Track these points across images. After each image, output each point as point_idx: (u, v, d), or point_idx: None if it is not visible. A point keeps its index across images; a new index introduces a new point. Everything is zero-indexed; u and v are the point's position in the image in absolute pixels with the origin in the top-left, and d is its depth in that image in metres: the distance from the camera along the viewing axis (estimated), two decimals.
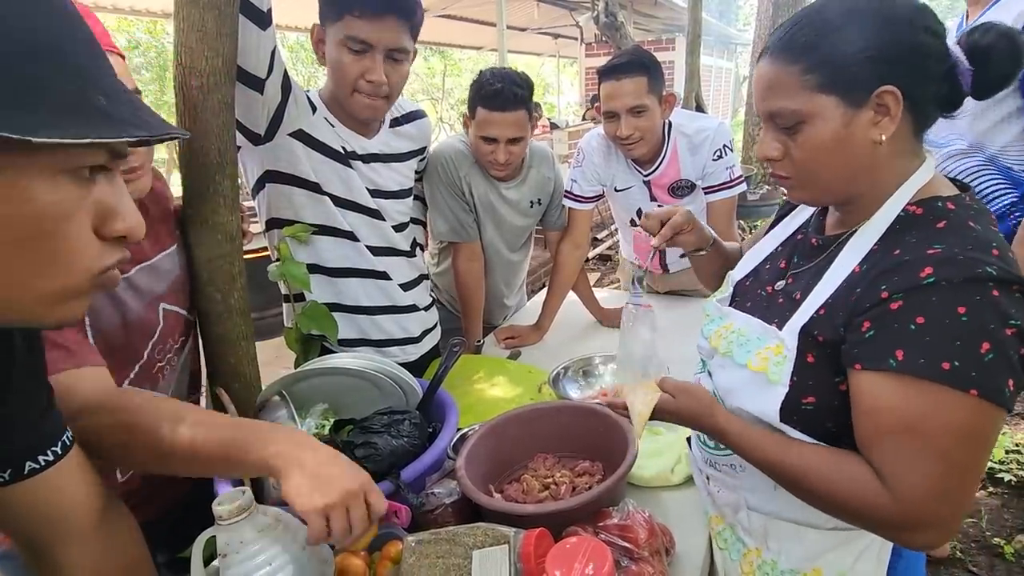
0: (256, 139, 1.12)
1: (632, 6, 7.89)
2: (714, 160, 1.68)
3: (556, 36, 10.06)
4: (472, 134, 1.53)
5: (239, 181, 1.02)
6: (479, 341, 1.70)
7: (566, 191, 1.80)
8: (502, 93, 1.43)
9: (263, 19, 0.98)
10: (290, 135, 1.14)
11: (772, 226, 0.95)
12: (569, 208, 1.80)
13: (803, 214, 0.89)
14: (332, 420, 1.04)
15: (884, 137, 0.67)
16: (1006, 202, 1.20)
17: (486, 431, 1.09)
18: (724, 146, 1.67)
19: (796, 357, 0.70)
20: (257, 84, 1.03)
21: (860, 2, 0.67)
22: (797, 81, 0.68)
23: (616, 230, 2.17)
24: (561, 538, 0.77)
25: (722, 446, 0.82)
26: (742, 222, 4.64)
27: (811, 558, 0.78)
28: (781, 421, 0.71)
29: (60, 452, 0.59)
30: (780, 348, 0.72)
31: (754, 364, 0.74)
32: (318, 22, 1.16)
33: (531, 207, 1.72)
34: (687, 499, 1.04)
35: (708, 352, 0.86)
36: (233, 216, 1.00)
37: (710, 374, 0.86)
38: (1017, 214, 1.19)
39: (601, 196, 1.83)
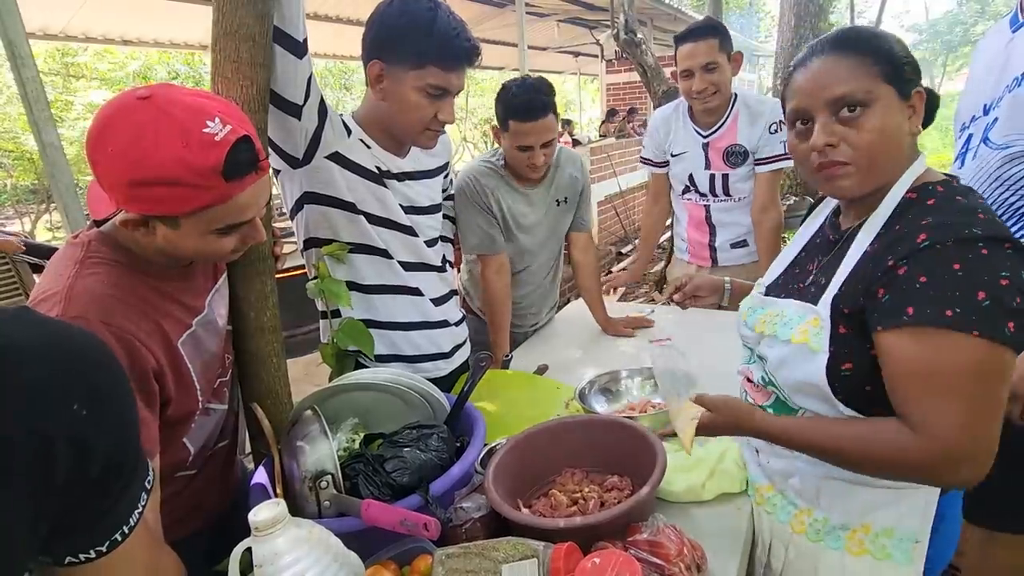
0: (295, 163, 1.17)
1: (652, 23, 7.95)
2: (770, 133, 1.87)
3: (576, 54, 10.17)
4: (506, 144, 1.62)
5: (274, 203, 1.06)
6: (507, 356, 1.71)
7: (642, 157, 2.20)
8: (532, 103, 1.52)
9: (299, 48, 1.03)
10: (327, 158, 1.18)
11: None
12: (650, 173, 2.21)
13: (817, 220, 0.99)
14: (362, 434, 1.05)
15: (915, 131, 0.79)
16: None
17: (513, 445, 1.09)
18: (780, 121, 1.86)
19: (831, 327, 0.79)
20: (295, 111, 1.07)
21: (878, 29, 0.83)
22: (866, 69, 0.77)
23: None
24: (590, 553, 0.76)
25: None
26: None
27: (861, 514, 0.85)
28: (828, 384, 0.79)
29: (106, 549, 0.52)
30: (817, 321, 0.81)
31: (796, 338, 0.83)
32: (377, 60, 1.16)
33: (557, 205, 1.78)
34: (719, 516, 1.02)
35: (755, 339, 0.94)
36: (267, 237, 1.04)
37: (760, 357, 0.92)
38: None
39: (667, 163, 2.10)
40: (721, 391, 1.32)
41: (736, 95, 1.91)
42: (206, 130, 0.74)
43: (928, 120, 0.83)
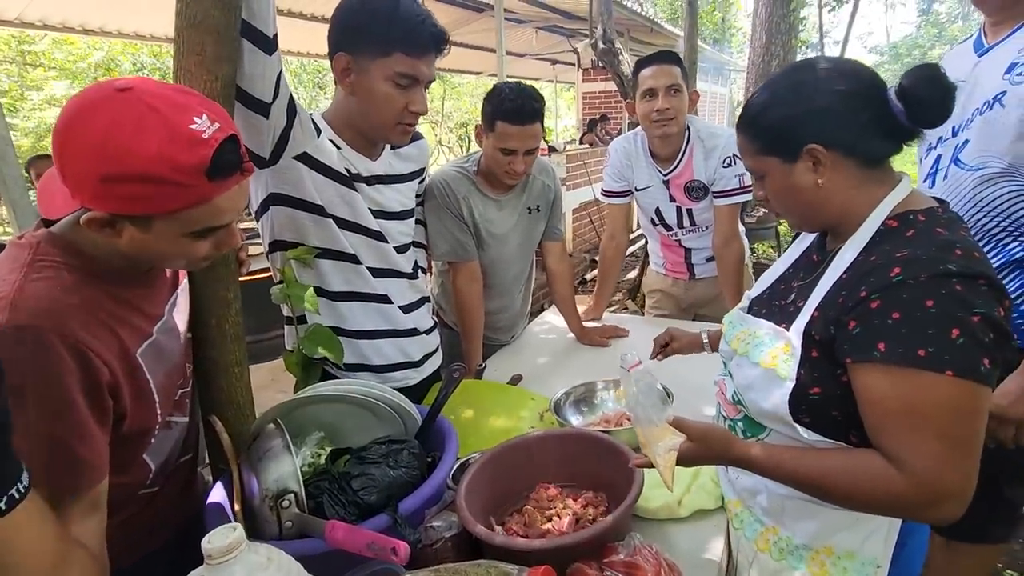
0: (261, 163, 1.12)
1: (629, 34, 8.05)
2: (724, 167, 1.85)
3: (554, 62, 10.24)
4: (489, 145, 1.58)
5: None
6: (480, 365, 1.67)
7: (603, 190, 2.10)
8: (523, 108, 1.50)
9: (269, 45, 0.98)
10: (295, 158, 1.14)
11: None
12: (607, 205, 2.14)
13: (809, 237, 0.99)
14: (328, 449, 1.00)
15: (822, 181, 0.80)
16: None
17: (487, 460, 1.06)
18: (733, 155, 1.85)
19: (802, 354, 0.79)
20: (263, 109, 1.03)
21: (788, 79, 0.84)
22: (749, 147, 0.87)
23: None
24: (566, 575, 0.73)
25: (742, 437, 0.90)
26: (747, 241, 4.65)
27: (824, 536, 0.85)
28: (791, 413, 0.80)
29: (4, 507, 0.52)
30: (788, 347, 0.82)
31: (766, 362, 0.83)
32: (342, 52, 1.13)
33: (529, 213, 1.77)
34: (696, 533, 1.00)
35: (729, 354, 0.95)
36: (240, 242, 0.99)
37: (731, 374, 0.93)
38: None
39: (629, 193, 2.06)
40: (695, 403, 1.34)
41: (689, 128, 1.89)
42: (193, 126, 0.69)
43: (933, 114, 0.77)
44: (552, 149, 6.48)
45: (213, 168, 0.71)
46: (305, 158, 1.14)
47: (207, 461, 1.15)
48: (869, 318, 0.72)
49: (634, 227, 4.87)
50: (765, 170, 0.85)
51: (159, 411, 0.86)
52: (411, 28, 1.10)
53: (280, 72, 1.02)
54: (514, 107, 1.50)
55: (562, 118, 14.96)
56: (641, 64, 1.86)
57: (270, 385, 2.37)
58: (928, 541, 0.99)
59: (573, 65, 9.34)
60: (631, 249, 5.86)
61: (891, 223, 0.78)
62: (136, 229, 0.73)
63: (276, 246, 1.22)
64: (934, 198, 0.82)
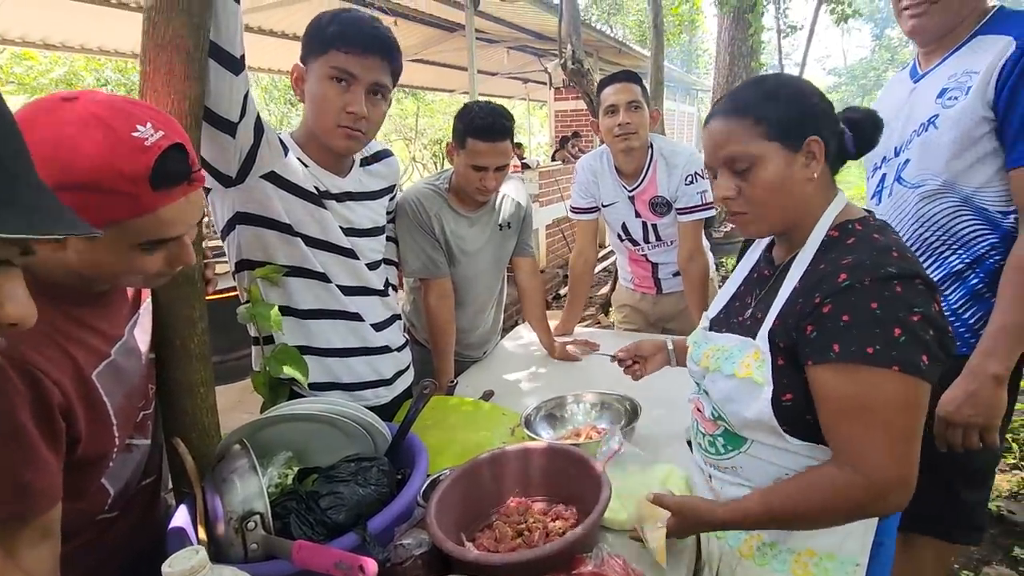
0: (227, 181, 1.11)
1: (598, 54, 8.24)
2: (685, 185, 1.92)
3: (526, 81, 10.39)
4: (461, 163, 1.61)
5: (206, 221, 1.01)
6: (452, 381, 1.68)
7: (571, 207, 2.15)
8: (494, 126, 1.53)
9: (236, 65, 0.99)
10: (262, 177, 1.14)
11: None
12: (575, 221, 2.17)
13: (755, 254, 1.02)
14: (296, 469, 0.99)
15: (815, 175, 0.84)
16: (984, 245, 1.21)
17: (457, 476, 1.06)
18: (695, 172, 1.91)
19: (771, 359, 0.83)
20: (229, 128, 1.03)
21: (784, 79, 0.89)
22: (749, 130, 0.84)
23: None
24: None
25: (722, 451, 0.94)
26: (713, 256, 4.76)
27: (805, 537, 0.88)
28: (776, 417, 0.82)
29: None
30: (758, 354, 0.85)
31: (740, 372, 0.86)
32: (298, 63, 1.17)
33: (500, 230, 1.79)
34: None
35: (700, 373, 0.97)
36: (195, 259, 0.98)
37: (706, 392, 0.95)
38: (995, 255, 1.20)
39: (597, 209, 2.10)
40: (667, 419, 1.36)
41: (652, 145, 1.95)
42: (135, 134, 0.69)
43: (867, 147, 0.90)
44: (525, 166, 6.56)
45: (156, 176, 0.70)
46: (272, 177, 1.14)
47: (171, 486, 1.12)
48: (823, 322, 0.77)
49: (605, 243, 4.94)
50: (761, 156, 0.83)
51: (117, 434, 0.84)
52: (348, 26, 1.11)
53: (247, 92, 1.03)
54: (485, 124, 1.53)
55: (535, 135, 15.14)
56: (604, 83, 1.93)
57: (237, 407, 2.31)
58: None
59: (545, 84, 9.50)
60: (604, 264, 5.94)
61: (833, 233, 0.84)
62: (81, 241, 0.72)
63: (243, 265, 1.21)
64: (865, 210, 0.90)
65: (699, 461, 1.02)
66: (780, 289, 0.86)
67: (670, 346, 1.32)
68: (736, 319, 0.96)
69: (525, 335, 2.14)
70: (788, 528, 0.85)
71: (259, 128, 1.09)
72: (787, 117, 0.84)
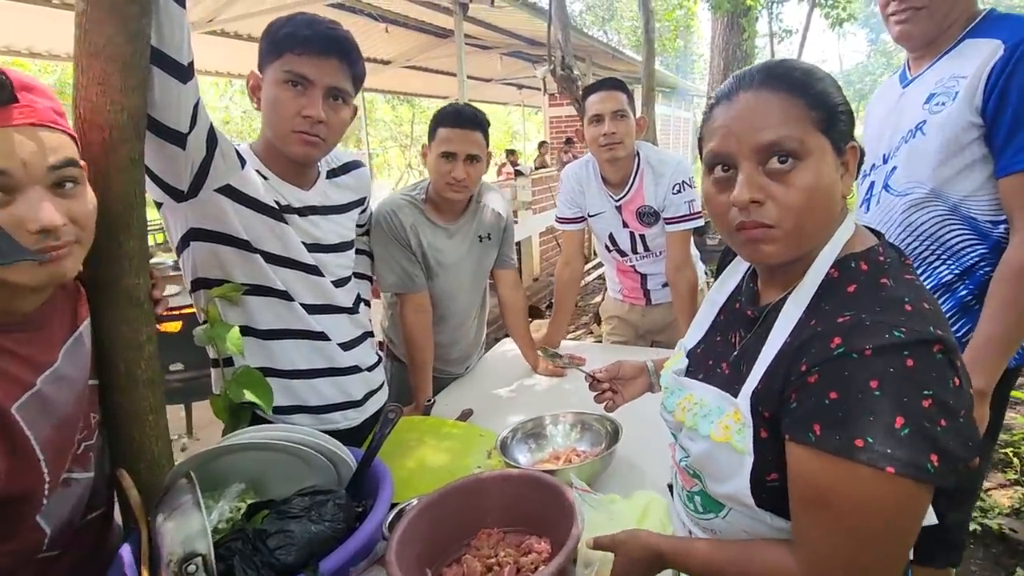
0: (179, 196, 1.06)
1: (591, 60, 8.23)
2: (673, 194, 1.86)
3: (520, 87, 10.39)
4: (433, 158, 1.58)
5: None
6: (429, 400, 1.61)
7: (557, 217, 2.09)
8: (462, 113, 1.55)
9: (183, 73, 0.93)
10: (217, 191, 1.08)
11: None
12: (561, 231, 2.11)
13: (732, 279, 0.88)
14: (248, 503, 0.93)
15: (847, 192, 0.68)
16: (974, 255, 1.16)
17: (424, 507, 1.00)
18: (683, 181, 1.86)
19: (754, 429, 0.68)
20: (178, 139, 0.97)
21: (815, 69, 0.68)
22: (804, 114, 0.64)
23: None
24: None
25: (700, 510, 0.82)
26: (705, 265, 4.72)
27: None
28: (753, 496, 0.68)
29: None
30: (738, 415, 0.70)
31: (717, 435, 0.71)
32: (255, 70, 1.13)
33: (480, 242, 1.74)
34: None
35: (675, 426, 0.84)
36: (141, 279, 0.92)
37: (682, 447, 0.83)
38: (985, 266, 1.15)
39: (583, 219, 2.05)
40: (655, 440, 1.26)
41: (639, 153, 1.90)
42: None
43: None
44: (519, 173, 6.52)
45: None
46: (228, 190, 1.08)
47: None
48: (807, 394, 0.61)
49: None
50: (812, 150, 0.64)
51: (47, 470, 0.78)
52: (301, 27, 1.07)
53: (198, 101, 0.97)
54: (453, 111, 1.56)
55: (531, 140, 15.16)
56: (588, 91, 1.89)
57: (215, 421, 2.24)
58: None
59: (539, 90, 9.49)
60: (599, 272, 5.90)
61: (832, 273, 0.67)
62: None
63: (199, 284, 1.15)
64: (869, 228, 0.75)
65: (680, 512, 0.92)
66: (768, 340, 0.69)
67: (651, 366, 1.17)
68: (719, 365, 0.80)
69: (510, 349, 2.08)
70: None
71: (212, 139, 1.03)
72: (839, 108, 0.65)
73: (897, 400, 0.56)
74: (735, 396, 0.71)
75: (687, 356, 0.88)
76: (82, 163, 0.78)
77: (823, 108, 0.65)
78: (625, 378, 1.16)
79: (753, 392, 0.68)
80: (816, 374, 0.60)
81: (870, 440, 0.56)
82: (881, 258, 0.67)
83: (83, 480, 0.89)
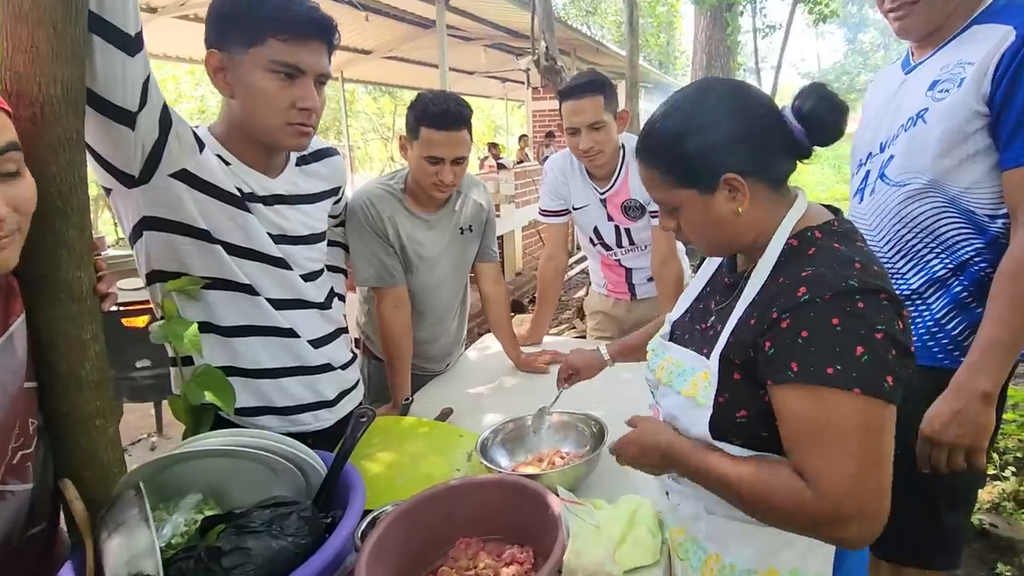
0: (129, 181, 0.97)
1: (575, 53, 8.17)
2: None
3: (504, 80, 10.30)
4: (415, 156, 1.48)
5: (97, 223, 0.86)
6: (407, 399, 1.54)
7: (540, 209, 2.04)
8: (448, 112, 1.42)
9: (129, 44, 0.85)
10: (171, 176, 0.99)
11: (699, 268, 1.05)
12: (544, 224, 2.06)
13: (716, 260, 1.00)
14: (203, 516, 0.85)
15: (742, 209, 0.79)
16: (969, 250, 1.12)
17: (398, 516, 0.93)
18: None
19: (721, 379, 0.80)
20: (127, 118, 0.89)
21: (697, 106, 0.81)
22: (663, 178, 0.83)
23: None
24: None
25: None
26: (689, 259, 4.72)
27: (766, 558, 0.84)
28: (714, 438, 0.81)
29: None
30: (706, 375, 0.82)
31: (686, 391, 0.85)
32: (213, 48, 1.02)
33: (461, 234, 1.66)
34: None
35: (655, 383, 0.95)
36: (82, 272, 0.83)
37: (659, 403, 0.95)
38: (980, 262, 1.11)
39: (567, 212, 1.99)
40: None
41: (624, 148, 1.84)
42: None
43: (830, 136, 0.80)
44: (501, 166, 6.45)
45: None
46: (184, 175, 1.00)
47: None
48: (781, 338, 0.73)
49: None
50: (680, 203, 0.83)
51: None
52: (281, 8, 0.98)
53: (148, 76, 0.89)
54: (439, 111, 1.41)
55: (514, 134, 15.07)
56: (563, 95, 1.77)
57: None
58: (869, 566, 0.95)
59: (523, 83, 9.41)
60: (583, 266, 5.86)
61: (792, 242, 0.80)
62: None
63: (154, 277, 1.07)
64: (828, 207, 0.86)
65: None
66: (738, 303, 0.82)
67: (605, 355, 1.33)
68: (699, 326, 0.92)
69: (492, 345, 2.01)
70: (728, 500, 0.80)
71: (166, 119, 0.94)
72: (695, 161, 0.80)
73: (855, 333, 0.69)
74: (708, 358, 0.83)
75: (673, 324, 0.99)
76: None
77: (677, 170, 0.81)
78: (579, 369, 1.36)
79: (725, 345, 0.81)
80: (788, 319, 0.73)
81: (838, 367, 0.69)
82: (834, 227, 0.80)
83: (20, 493, 0.81)
